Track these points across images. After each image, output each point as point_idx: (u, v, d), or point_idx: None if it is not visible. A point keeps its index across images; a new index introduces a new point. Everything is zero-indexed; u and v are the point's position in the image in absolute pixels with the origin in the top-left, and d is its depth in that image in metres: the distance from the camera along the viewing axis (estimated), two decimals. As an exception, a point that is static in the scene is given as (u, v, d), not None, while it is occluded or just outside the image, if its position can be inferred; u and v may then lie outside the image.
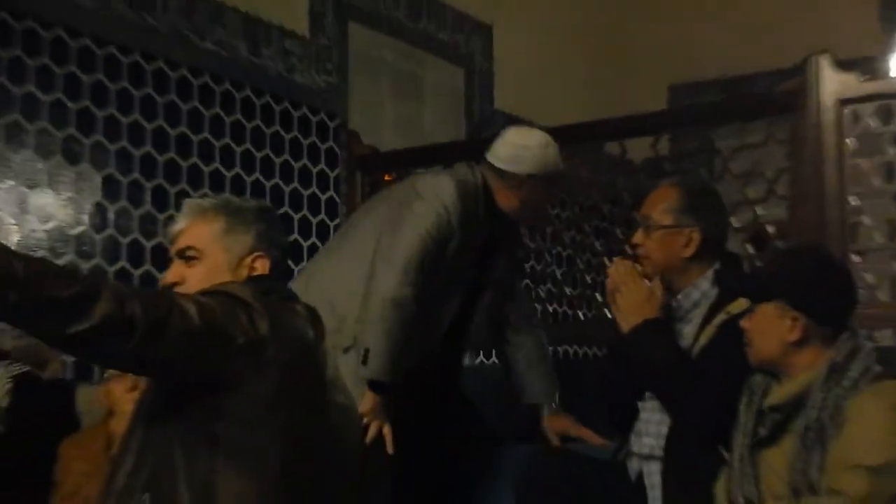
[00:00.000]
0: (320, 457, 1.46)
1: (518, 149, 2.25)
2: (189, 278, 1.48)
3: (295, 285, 2.11)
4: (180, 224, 1.56)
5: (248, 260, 1.49)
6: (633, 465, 2.03)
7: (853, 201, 2.64)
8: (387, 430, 2.04)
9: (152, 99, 3.51)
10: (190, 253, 1.47)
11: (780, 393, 1.66)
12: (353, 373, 2.09)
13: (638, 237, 2.01)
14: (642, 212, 2.08)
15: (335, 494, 1.58)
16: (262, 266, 1.49)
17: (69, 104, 3.22)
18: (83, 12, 3.29)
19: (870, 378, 1.60)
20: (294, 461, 1.35)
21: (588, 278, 3.46)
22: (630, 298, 1.93)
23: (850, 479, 1.51)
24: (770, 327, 1.66)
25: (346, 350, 2.15)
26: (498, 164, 2.24)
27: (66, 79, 3.22)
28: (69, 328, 1.07)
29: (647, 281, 1.95)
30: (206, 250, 1.46)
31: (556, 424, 2.39)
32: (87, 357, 1.94)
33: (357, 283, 2.17)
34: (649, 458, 1.98)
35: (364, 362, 2.09)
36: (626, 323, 1.91)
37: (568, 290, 3.84)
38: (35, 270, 1.06)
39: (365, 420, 2.01)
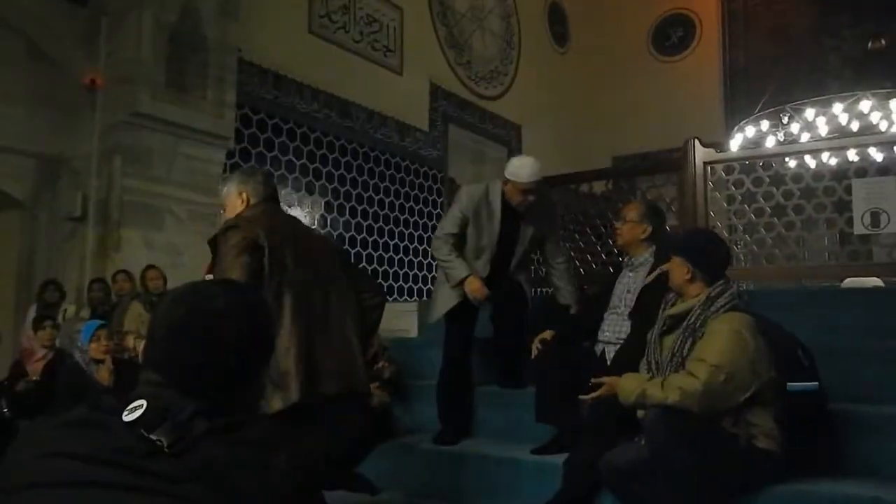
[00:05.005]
0: None
1: (511, 165, 3.01)
2: None
3: None
4: None
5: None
6: (598, 348, 2.70)
7: (712, 214, 3.84)
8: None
9: (350, 163, 5.97)
10: None
11: (677, 307, 2.18)
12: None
13: (619, 225, 2.80)
14: (622, 212, 2.84)
15: None
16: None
17: (309, 165, 5.61)
18: (315, 119, 5.70)
19: (727, 308, 2.03)
20: None
21: (571, 246, 4.36)
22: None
23: (696, 366, 1.94)
24: (676, 271, 2.20)
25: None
26: (505, 173, 3.01)
27: (308, 153, 5.60)
28: None
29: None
30: None
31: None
32: None
33: None
34: (608, 343, 2.67)
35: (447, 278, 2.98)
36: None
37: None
38: None
39: (477, 294, 2.85)
